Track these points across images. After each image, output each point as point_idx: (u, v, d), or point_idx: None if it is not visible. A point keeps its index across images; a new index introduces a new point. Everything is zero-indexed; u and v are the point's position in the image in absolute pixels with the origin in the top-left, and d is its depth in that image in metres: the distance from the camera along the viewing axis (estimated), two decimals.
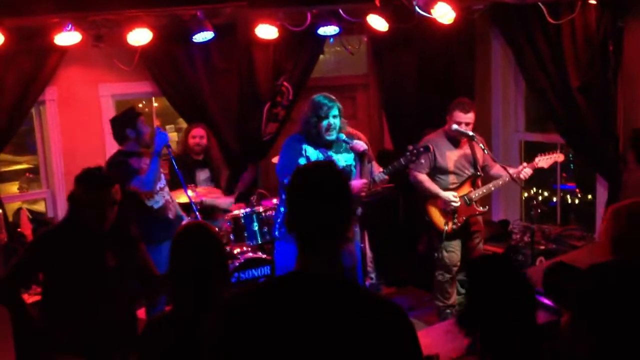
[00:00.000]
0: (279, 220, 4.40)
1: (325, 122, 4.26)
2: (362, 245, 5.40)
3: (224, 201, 5.68)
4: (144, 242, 4.82)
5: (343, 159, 4.41)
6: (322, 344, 1.74)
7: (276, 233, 4.42)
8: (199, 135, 5.65)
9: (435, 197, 5.19)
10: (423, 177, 5.20)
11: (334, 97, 4.38)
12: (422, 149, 4.65)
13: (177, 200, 5.15)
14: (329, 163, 2.00)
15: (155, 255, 4.73)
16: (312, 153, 4.31)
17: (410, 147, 4.65)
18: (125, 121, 4.80)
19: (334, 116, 4.29)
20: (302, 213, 1.87)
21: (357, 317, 1.78)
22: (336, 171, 1.95)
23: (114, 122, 4.89)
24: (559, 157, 5.15)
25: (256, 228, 5.47)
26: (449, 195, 5.13)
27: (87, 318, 3.41)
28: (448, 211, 5.18)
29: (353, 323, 1.77)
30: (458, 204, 5.13)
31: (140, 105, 8.43)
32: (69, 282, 3.39)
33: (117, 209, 3.51)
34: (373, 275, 5.57)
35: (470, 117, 5.07)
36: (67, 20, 4.68)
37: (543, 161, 5.11)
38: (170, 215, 4.86)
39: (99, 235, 3.48)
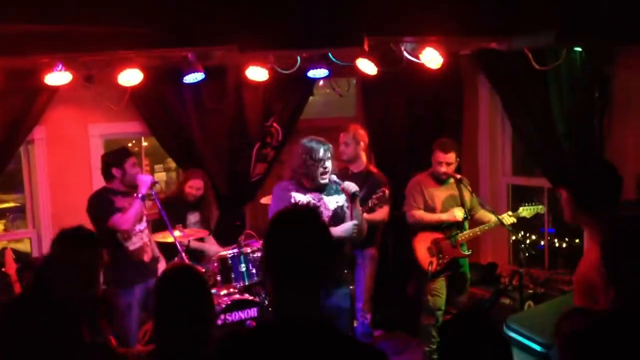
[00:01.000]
0: None
1: (321, 166, 4.26)
2: (351, 287, 5.38)
3: (212, 249, 5.68)
4: (116, 283, 4.83)
5: (334, 201, 4.40)
6: None
7: None
8: (195, 187, 5.67)
9: (438, 222, 5.20)
10: (420, 213, 5.23)
11: (325, 140, 4.39)
12: (380, 193, 4.69)
13: (164, 240, 5.14)
14: (307, 207, 2.01)
15: (126, 296, 4.76)
16: (301, 199, 4.29)
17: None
18: (114, 160, 4.86)
19: (328, 159, 4.30)
20: (283, 257, 1.88)
21: None
22: (314, 214, 1.98)
23: (103, 158, 4.98)
24: (540, 209, 5.25)
25: (243, 269, 5.41)
26: (453, 211, 5.15)
27: None
28: (434, 251, 5.19)
29: None
30: (462, 217, 5.13)
31: (130, 145, 8.43)
32: None
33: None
34: (368, 316, 5.52)
35: (450, 157, 5.12)
36: (57, 60, 4.70)
37: (525, 211, 5.20)
38: (146, 258, 4.90)
39: (76, 306, 2.93)
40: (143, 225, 4.97)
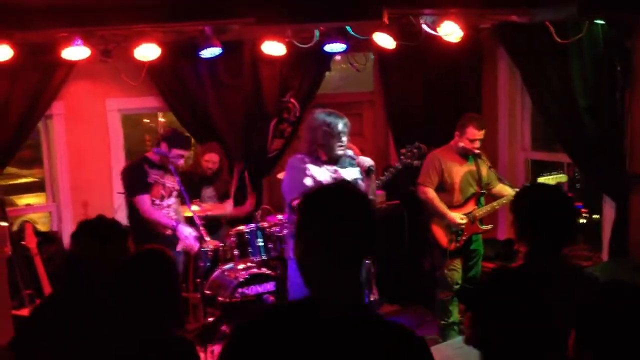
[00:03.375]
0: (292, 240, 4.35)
1: (338, 139, 4.26)
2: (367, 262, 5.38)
3: (223, 209, 5.73)
4: None
5: (349, 174, 4.39)
6: None
7: (291, 254, 4.37)
8: (212, 161, 5.76)
9: (441, 217, 5.18)
10: (432, 195, 5.19)
11: (342, 114, 4.38)
12: (415, 149, 4.67)
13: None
14: (348, 183, 1.90)
15: None
16: (317, 172, 4.28)
17: (403, 150, 4.68)
18: (171, 138, 5.01)
19: (345, 133, 4.29)
20: (320, 239, 1.71)
21: (377, 350, 1.70)
22: (357, 191, 1.80)
23: (167, 129, 5.10)
24: (562, 177, 5.17)
25: (261, 244, 5.45)
26: (456, 216, 5.12)
27: None
28: (452, 230, 5.17)
29: (373, 356, 1.69)
30: (465, 224, 5.12)
31: (147, 120, 8.46)
32: None
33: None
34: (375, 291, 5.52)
35: (483, 133, 5.11)
36: (75, 35, 4.70)
37: (546, 181, 5.13)
38: (168, 232, 4.96)
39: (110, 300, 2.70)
40: (172, 200, 5.07)
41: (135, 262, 2.58)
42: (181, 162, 5.02)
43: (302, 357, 1.69)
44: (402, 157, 4.77)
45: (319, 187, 1.88)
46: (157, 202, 4.96)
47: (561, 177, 5.21)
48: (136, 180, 4.89)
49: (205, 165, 5.73)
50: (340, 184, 1.88)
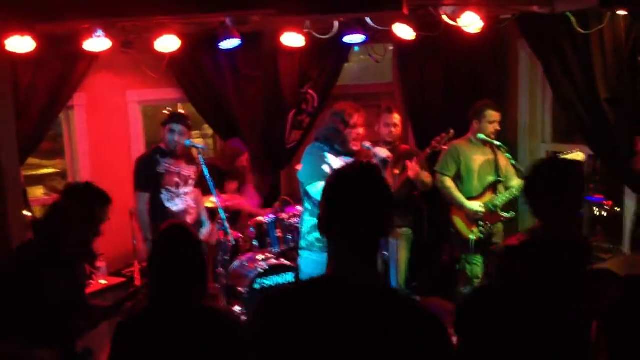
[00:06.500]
0: (304, 229, 4.37)
1: (354, 132, 4.27)
2: (386, 253, 5.39)
3: (248, 206, 5.78)
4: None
5: None
6: (356, 352, 1.72)
7: (302, 243, 4.38)
8: (246, 159, 5.85)
9: (460, 207, 5.18)
10: (451, 184, 5.21)
11: (359, 107, 4.38)
12: (444, 133, 4.94)
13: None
14: (370, 165, 1.97)
15: None
16: (334, 161, 4.29)
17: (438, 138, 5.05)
18: (165, 119, 5.06)
19: (361, 126, 4.29)
20: (343, 216, 1.83)
21: (394, 325, 1.75)
22: (377, 173, 1.91)
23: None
24: (578, 155, 5.10)
25: (279, 235, 5.48)
26: (474, 205, 5.12)
27: None
28: (473, 219, 5.17)
29: (391, 331, 1.74)
30: (483, 213, 5.12)
31: (166, 112, 8.51)
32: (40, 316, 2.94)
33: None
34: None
35: (500, 115, 5.19)
36: (97, 26, 4.73)
37: None
38: (189, 220, 4.98)
39: (74, 257, 3.13)
40: (188, 189, 5.06)
41: (163, 236, 2.72)
42: (176, 138, 4.94)
43: (321, 331, 1.74)
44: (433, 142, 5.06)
45: (346, 166, 1.98)
46: (173, 189, 4.98)
47: (578, 155, 5.13)
48: (142, 174, 4.94)
49: (240, 164, 5.82)
50: (363, 166, 1.96)
